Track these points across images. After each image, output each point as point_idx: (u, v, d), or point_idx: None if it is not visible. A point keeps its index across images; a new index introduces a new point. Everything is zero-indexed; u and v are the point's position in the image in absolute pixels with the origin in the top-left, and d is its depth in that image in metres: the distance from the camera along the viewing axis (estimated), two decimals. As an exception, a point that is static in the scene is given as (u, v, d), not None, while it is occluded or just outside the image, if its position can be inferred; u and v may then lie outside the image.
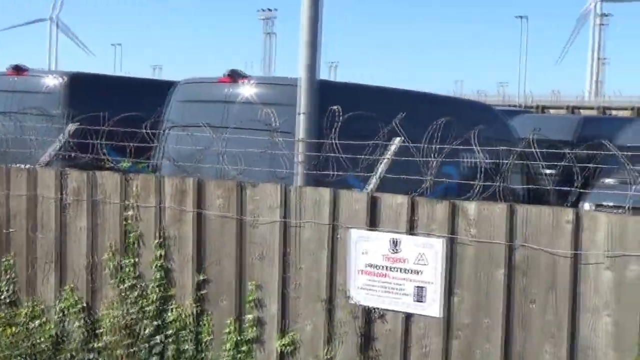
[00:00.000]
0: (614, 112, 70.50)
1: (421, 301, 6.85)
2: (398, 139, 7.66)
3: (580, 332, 6.17)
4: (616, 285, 5.99)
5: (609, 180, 22.16)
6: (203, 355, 8.07)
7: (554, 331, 6.27)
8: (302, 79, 8.28)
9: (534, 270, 6.33)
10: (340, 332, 7.23)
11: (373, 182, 7.46)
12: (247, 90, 10.19)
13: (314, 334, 7.41)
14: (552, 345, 6.28)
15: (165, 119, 10.35)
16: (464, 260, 6.66)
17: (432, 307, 6.81)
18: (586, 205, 20.10)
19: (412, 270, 6.87)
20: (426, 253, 6.80)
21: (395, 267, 6.95)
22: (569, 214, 6.18)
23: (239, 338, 7.82)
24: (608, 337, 6.05)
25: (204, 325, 8.05)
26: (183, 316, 8.15)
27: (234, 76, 10.28)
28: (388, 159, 7.56)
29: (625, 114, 67.28)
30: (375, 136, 7.77)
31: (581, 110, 71.74)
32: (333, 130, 7.74)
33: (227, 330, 7.88)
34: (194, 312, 8.10)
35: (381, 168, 7.52)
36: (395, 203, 6.96)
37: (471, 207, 6.63)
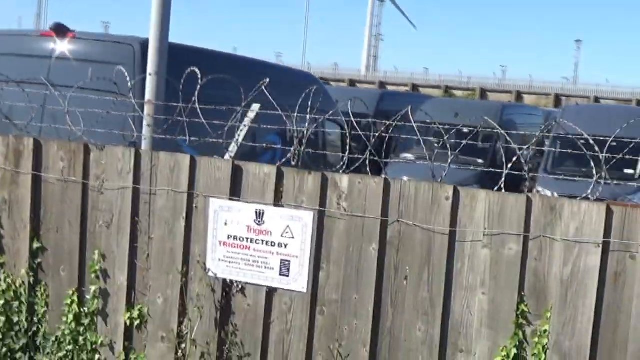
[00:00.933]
0: (389, 88, 72.66)
1: (286, 275, 6.61)
2: (256, 105, 7.35)
3: (455, 310, 6.13)
4: (493, 263, 5.97)
5: (407, 155, 22.83)
6: (38, 327, 7.52)
7: (428, 308, 6.19)
8: (151, 36, 7.79)
9: (409, 246, 6.22)
10: (197, 306, 6.87)
11: (233, 149, 7.14)
12: (74, 46, 9.54)
13: (167, 308, 7.03)
14: (425, 323, 6.20)
15: None
16: (334, 234, 6.46)
17: (298, 281, 6.59)
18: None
19: (278, 243, 6.61)
20: (294, 226, 6.56)
21: (259, 239, 6.67)
22: (448, 190, 6.10)
23: (80, 310, 7.32)
24: (483, 315, 6.03)
25: (40, 296, 7.50)
26: (15, 286, 7.56)
27: (59, 30, 9.58)
28: (247, 125, 7.24)
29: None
30: (227, 102, 7.41)
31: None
32: (187, 94, 7.33)
33: (67, 301, 7.36)
34: (29, 282, 7.52)
35: (241, 135, 7.20)
36: (261, 173, 6.66)
37: (344, 180, 6.43)
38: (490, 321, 6.01)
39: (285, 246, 6.59)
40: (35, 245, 7.46)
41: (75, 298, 7.33)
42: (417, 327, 6.24)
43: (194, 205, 6.89)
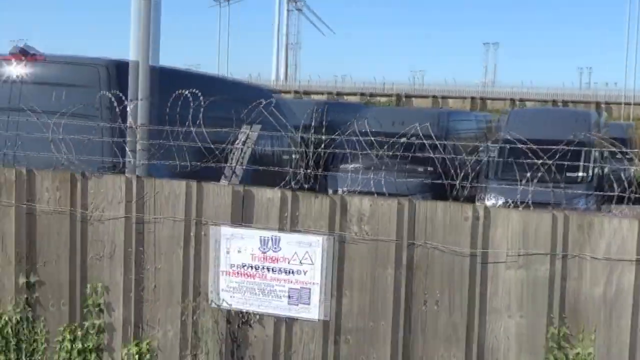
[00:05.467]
0: (313, 96, 72.52)
1: (298, 304, 6.36)
2: (257, 126, 7.09)
3: (483, 335, 5.94)
4: (521, 285, 5.81)
5: (352, 166, 22.70)
6: (37, 364, 7.13)
7: (453, 333, 5.99)
8: (140, 59, 7.45)
9: (431, 269, 6.03)
10: (203, 339, 6.58)
11: (236, 174, 6.84)
12: (42, 70, 9.11)
13: (171, 341, 6.72)
14: (449, 349, 6.01)
15: None
16: (351, 259, 6.22)
17: (312, 310, 6.33)
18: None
19: (288, 271, 6.36)
20: (305, 251, 6.31)
21: (268, 267, 6.41)
22: (468, 210, 5.92)
23: (76, 346, 6.95)
24: (512, 340, 5.86)
25: (32, 332, 7.11)
26: (5, 322, 7.15)
27: (26, 53, 9.13)
28: (248, 147, 6.96)
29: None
30: (218, 125, 7.16)
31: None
32: (178, 117, 7.10)
33: (60, 338, 7.00)
34: (19, 318, 7.13)
35: (245, 157, 6.91)
36: (268, 198, 6.41)
37: (358, 203, 6.21)
38: (519, 345, 5.84)
39: (297, 273, 6.33)
40: (26, 279, 7.08)
41: (71, 334, 6.96)
42: (440, 354, 6.04)
43: (196, 234, 6.60)
